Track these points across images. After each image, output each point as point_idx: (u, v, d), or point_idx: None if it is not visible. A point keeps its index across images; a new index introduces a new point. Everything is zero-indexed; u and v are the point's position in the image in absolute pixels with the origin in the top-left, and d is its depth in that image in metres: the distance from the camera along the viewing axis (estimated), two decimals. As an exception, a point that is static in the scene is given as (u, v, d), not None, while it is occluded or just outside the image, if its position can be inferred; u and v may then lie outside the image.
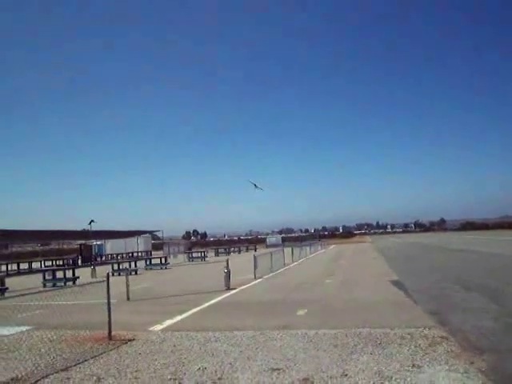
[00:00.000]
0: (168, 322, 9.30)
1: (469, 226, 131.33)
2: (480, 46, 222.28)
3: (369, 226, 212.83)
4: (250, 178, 78.55)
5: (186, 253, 42.44)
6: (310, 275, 18.72)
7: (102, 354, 6.85)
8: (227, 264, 14.95)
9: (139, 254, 47.67)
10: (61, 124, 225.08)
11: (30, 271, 33.48)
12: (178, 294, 14.10)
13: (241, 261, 27.13)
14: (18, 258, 49.75)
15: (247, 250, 58.69)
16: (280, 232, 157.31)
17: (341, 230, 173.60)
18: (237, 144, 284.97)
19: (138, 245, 50.03)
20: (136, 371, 5.82)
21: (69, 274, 20.79)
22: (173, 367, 5.92)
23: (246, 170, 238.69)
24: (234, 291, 14.04)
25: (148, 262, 30.54)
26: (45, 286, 19.76)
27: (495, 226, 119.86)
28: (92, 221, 31.11)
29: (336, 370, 5.36)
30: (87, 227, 32.93)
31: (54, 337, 8.05)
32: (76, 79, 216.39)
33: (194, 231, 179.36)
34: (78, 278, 20.42)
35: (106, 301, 7.96)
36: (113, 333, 7.88)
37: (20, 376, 5.79)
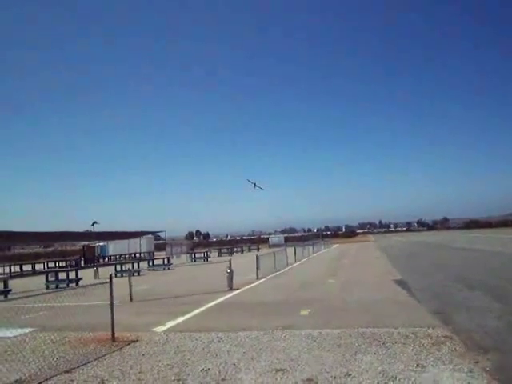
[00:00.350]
0: (171, 323, 9.29)
1: (472, 224, 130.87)
2: (480, 46, 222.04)
3: (371, 225, 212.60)
4: (250, 178, 78.16)
5: (188, 253, 42.44)
6: (313, 275, 18.69)
7: (105, 355, 6.85)
8: (230, 264, 14.93)
9: (142, 254, 47.71)
10: (62, 124, 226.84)
11: (33, 273, 33.54)
12: (181, 295, 14.09)
13: (243, 261, 27.10)
14: (20, 259, 49.83)
15: (250, 250, 58.67)
16: (283, 232, 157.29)
17: (343, 230, 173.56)
18: (237, 144, 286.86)
19: (141, 246, 50.09)
20: (139, 372, 5.81)
21: (72, 275, 20.81)
22: (176, 368, 5.91)
23: (247, 170, 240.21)
24: (236, 291, 14.02)
25: (151, 263, 30.55)
26: (48, 287, 19.76)
27: (499, 225, 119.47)
28: (95, 222, 31.28)
29: (340, 370, 5.34)
30: (90, 228, 33.07)
31: (57, 338, 8.06)
32: (76, 79, 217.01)
33: (197, 232, 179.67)
34: (81, 279, 20.42)
35: (109, 302, 7.96)
36: (116, 334, 7.87)
37: (23, 378, 5.79)
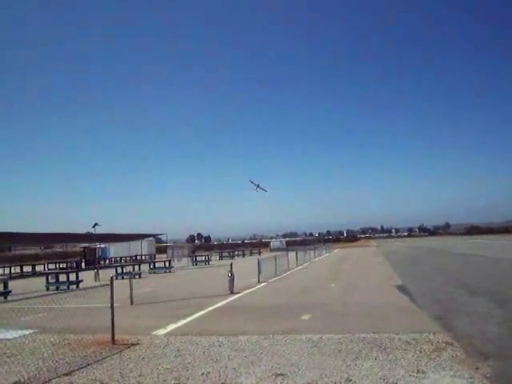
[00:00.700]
0: (171, 326, 9.27)
1: (474, 230, 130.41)
2: (480, 46, 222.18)
3: (373, 230, 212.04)
4: (251, 180, 77.98)
5: (189, 256, 42.46)
6: (315, 279, 18.65)
7: (105, 358, 6.83)
8: (231, 268, 14.93)
9: (143, 257, 47.73)
10: (62, 124, 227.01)
11: (33, 274, 33.53)
12: (182, 298, 14.08)
13: (245, 265, 27.08)
14: (20, 260, 49.91)
15: (251, 253, 58.62)
16: (284, 236, 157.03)
17: (345, 234, 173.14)
18: (237, 145, 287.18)
19: (142, 248, 50.17)
20: (139, 376, 5.80)
21: (72, 277, 20.76)
22: (176, 372, 5.89)
23: (247, 173, 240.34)
24: (237, 295, 13.99)
25: (152, 266, 30.55)
26: (48, 289, 19.75)
27: (501, 231, 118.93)
28: (96, 224, 31.27)
29: (340, 376, 5.32)
30: (91, 230, 33.10)
31: (57, 340, 8.04)
32: (76, 79, 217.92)
33: (198, 234, 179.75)
34: (82, 281, 20.41)
35: (110, 304, 7.95)
36: (116, 337, 7.86)
37: (22, 380, 5.78)
